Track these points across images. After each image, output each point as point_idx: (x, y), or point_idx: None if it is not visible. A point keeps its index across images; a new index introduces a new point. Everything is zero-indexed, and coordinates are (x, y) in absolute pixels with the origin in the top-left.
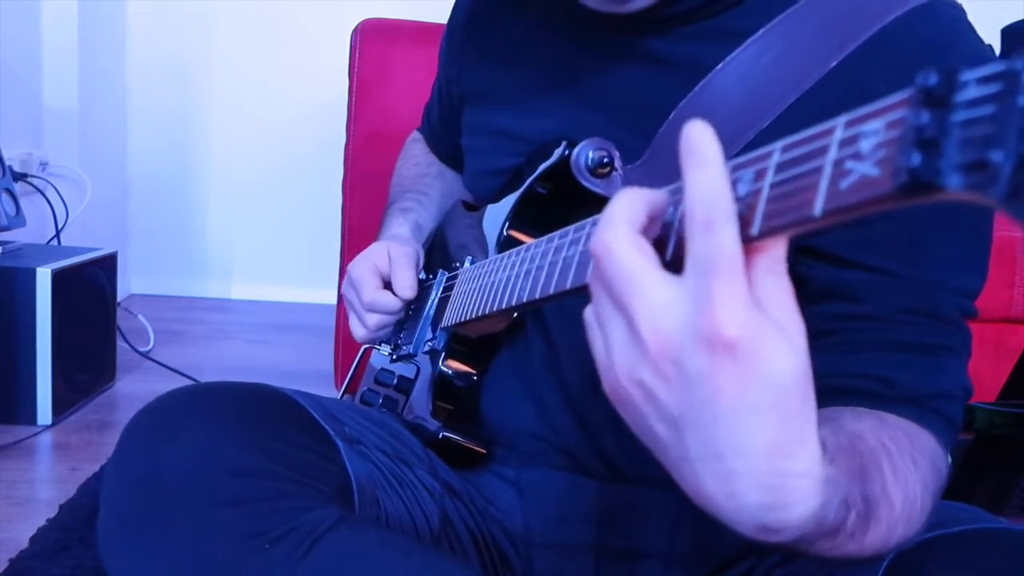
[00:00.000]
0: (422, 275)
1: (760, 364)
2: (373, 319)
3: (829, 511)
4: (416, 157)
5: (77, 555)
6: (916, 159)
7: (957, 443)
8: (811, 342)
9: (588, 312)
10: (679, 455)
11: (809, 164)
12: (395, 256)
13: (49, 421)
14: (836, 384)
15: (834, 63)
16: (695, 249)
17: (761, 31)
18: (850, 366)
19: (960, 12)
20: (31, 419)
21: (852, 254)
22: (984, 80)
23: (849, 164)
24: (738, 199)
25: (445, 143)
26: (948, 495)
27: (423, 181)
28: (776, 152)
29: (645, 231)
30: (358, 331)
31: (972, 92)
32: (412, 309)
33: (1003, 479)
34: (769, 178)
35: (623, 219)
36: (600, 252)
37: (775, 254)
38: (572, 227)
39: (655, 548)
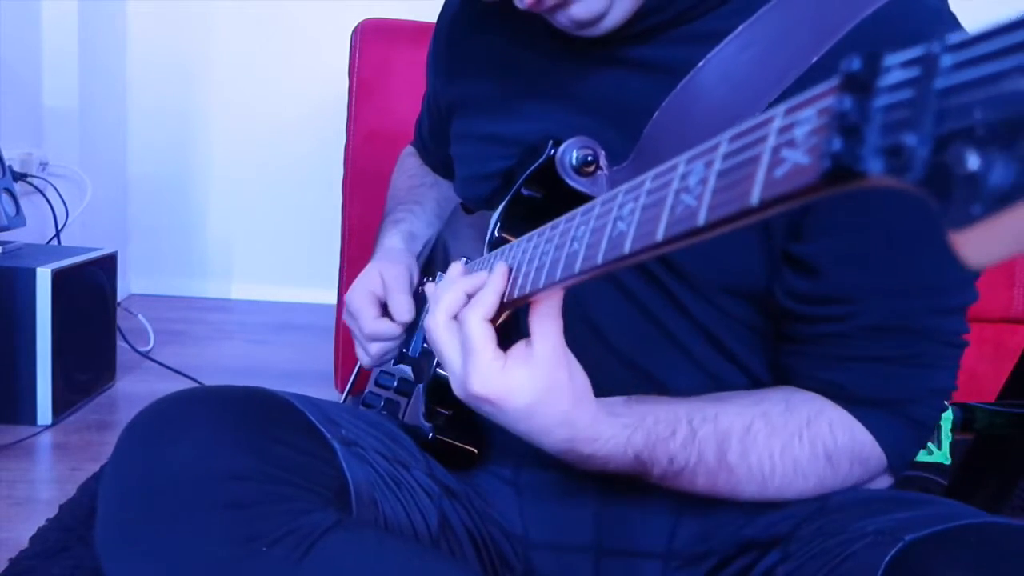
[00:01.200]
0: (423, 280)
1: (506, 401)
2: (376, 347)
3: (612, 459)
4: (410, 170)
5: (77, 555)
6: (837, 144)
7: (961, 442)
8: (790, 347)
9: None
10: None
11: (750, 153)
12: (388, 280)
13: (49, 421)
14: (803, 384)
15: (815, 58)
16: (460, 337)
17: (740, 28)
18: (815, 371)
19: (942, 3)
20: (31, 419)
21: (829, 266)
22: (906, 64)
23: (784, 152)
24: (689, 191)
25: (437, 154)
26: (949, 495)
27: (416, 191)
28: (724, 143)
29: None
30: (364, 359)
31: (895, 76)
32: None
33: (1003, 479)
34: (716, 168)
35: (443, 308)
36: (427, 330)
37: (551, 301)
38: (562, 219)
39: (654, 548)
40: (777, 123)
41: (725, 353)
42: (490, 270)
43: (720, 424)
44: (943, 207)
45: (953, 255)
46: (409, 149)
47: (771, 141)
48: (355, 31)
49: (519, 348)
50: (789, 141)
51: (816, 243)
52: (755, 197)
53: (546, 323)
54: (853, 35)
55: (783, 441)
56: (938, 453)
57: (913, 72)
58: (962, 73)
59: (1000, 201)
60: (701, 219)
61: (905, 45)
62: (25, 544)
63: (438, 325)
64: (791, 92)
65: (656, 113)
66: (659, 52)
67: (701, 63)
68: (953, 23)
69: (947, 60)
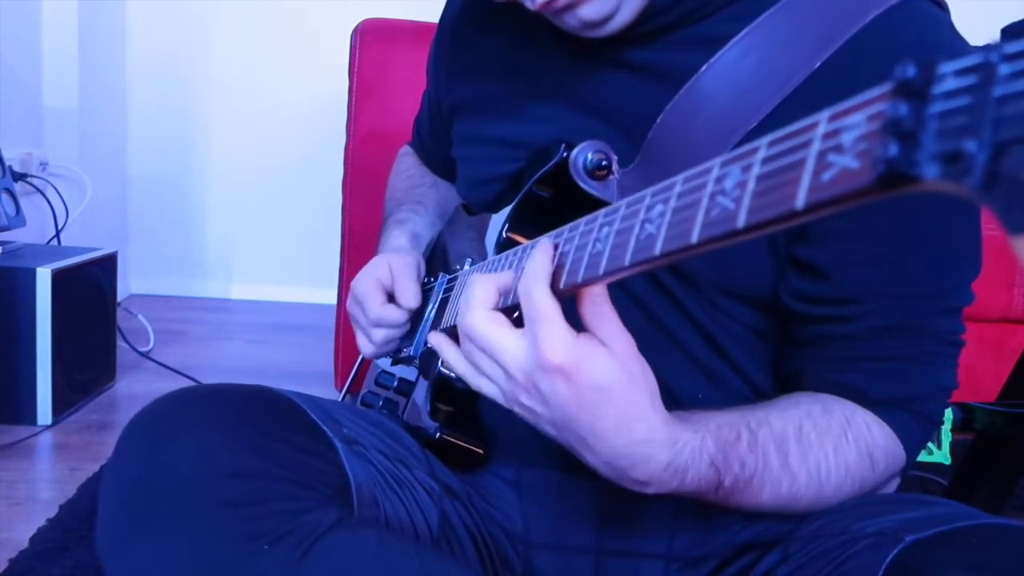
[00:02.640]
0: (424, 279)
1: (582, 375)
2: (380, 334)
3: (690, 467)
4: (409, 170)
5: (77, 555)
6: (893, 150)
7: (961, 442)
8: (798, 351)
9: (462, 366)
10: (567, 445)
11: (793, 157)
12: (396, 268)
13: (49, 421)
14: (817, 388)
15: (818, 63)
16: (525, 311)
17: (743, 32)
18: (828, 375)
19: (941, 11)
20: (31, 419)
21: (838, 269)
22: (961, 72)
23: (831, 157)
24: (725, 194)
25: (437, 155)
26: (949, 495)
27: (417, 192)
28: (763, 147)
29: (499, 302)
30: (366, 347)
31: (949, 84)
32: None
33: (1003, 479)
34: (755, 172)
35: (479, 303)
36: (469, 330)
37: (596, 290)
38: (581, 220)
39: (655, 548)
40: (821, 128)
41: (725, 358)
42: (529, 249)
43: (775, 427)
44: (1004, 213)
45: (957, 258)
46: (406, 148)
47: (816, 146)
48: (355, 31)
49: (586, 334)
50: (836, 146)
51: (825, 247)
52: (800, 200)
53: (599, 311)
54: (855, 41)
55: (834, 441)
56: (938, 453)
57: (969, 80)
58: (1020, 82)
59: None
60: (741, 221)
61: (907, 52)
62: (25, 544)
63: (479, 319)
64: (794, 97)
65: (660, 117)
66: (662, 56)
67: (704, 68)
68: (952, 31)
69: (1005, 69)
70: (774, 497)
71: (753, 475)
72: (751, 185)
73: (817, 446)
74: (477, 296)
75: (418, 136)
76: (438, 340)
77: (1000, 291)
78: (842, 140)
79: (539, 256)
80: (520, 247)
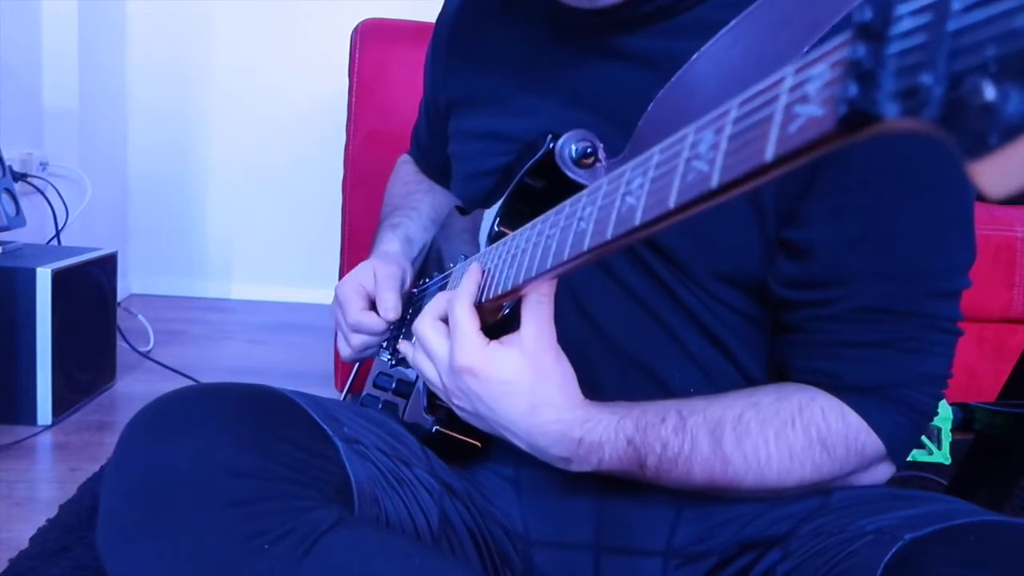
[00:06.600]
0: (420, 281)
1: (488, 372)
2: (357, 339)
3: (605, 443)
4: (405, 176)
5: (77, 555)
6: (853, 90)
7: (961, 442)
8: (783, 338)
9: (414, 360)
10: (493, 431)
11: (762, 113)
12: (380, 277)
13: (49, 421)
14: (800, 376)
15: (807, 48)
16: (449, 321)
17: (733, 21)
18: (809, 361)
19: None
20: (31, 419)
21: (823, 249)
22: (917, 11)
23: (797, 108)
24: (700, 157)
25: (434, 158)
26: (948, 494)
27: (412, 198)
28: (734, 108)
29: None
30: (344, 350)
31: (906, 24)
32: (411, 313)
33: (1003, 479)
34: (727, 133)
35: (428, 312)
36: (416, 332)
37: (543, 288)
38: (566, 202)
39: (654, 546)
40: (788, 82)
41: (719, 348)
42: (467, 264)
43: (710, 414)
44: (960, 139)
45: (946, 238)
46: (404, 157)
47: (783, 100)
48: (355, 31)
49: (507, 336)
50: (802, 97)
51: (812, 227)
52: (769, 153)
53: (537, 309)
54: (843, 26)
55: (776, 428)
56: (938, 453)
57: (924, 19)
58: (973, 14)
59: (1017, 130)
60: (714, 181)
61: None
62: (25, 544)
63: (425, 325)
64: None
65: (651, 105)
66: (652, 43)
67: (695, 56)
68: None
69: (957, 4)
70: (708, 478)
71: (678, 456)
72: (723, 145)
73: (756, 433)
74: (430, 306)
75: (416, 143)
76: (405, 347)
77: (1000, 291)
78: (807, 90)
79: (466, 280)
80: (505, 239)
